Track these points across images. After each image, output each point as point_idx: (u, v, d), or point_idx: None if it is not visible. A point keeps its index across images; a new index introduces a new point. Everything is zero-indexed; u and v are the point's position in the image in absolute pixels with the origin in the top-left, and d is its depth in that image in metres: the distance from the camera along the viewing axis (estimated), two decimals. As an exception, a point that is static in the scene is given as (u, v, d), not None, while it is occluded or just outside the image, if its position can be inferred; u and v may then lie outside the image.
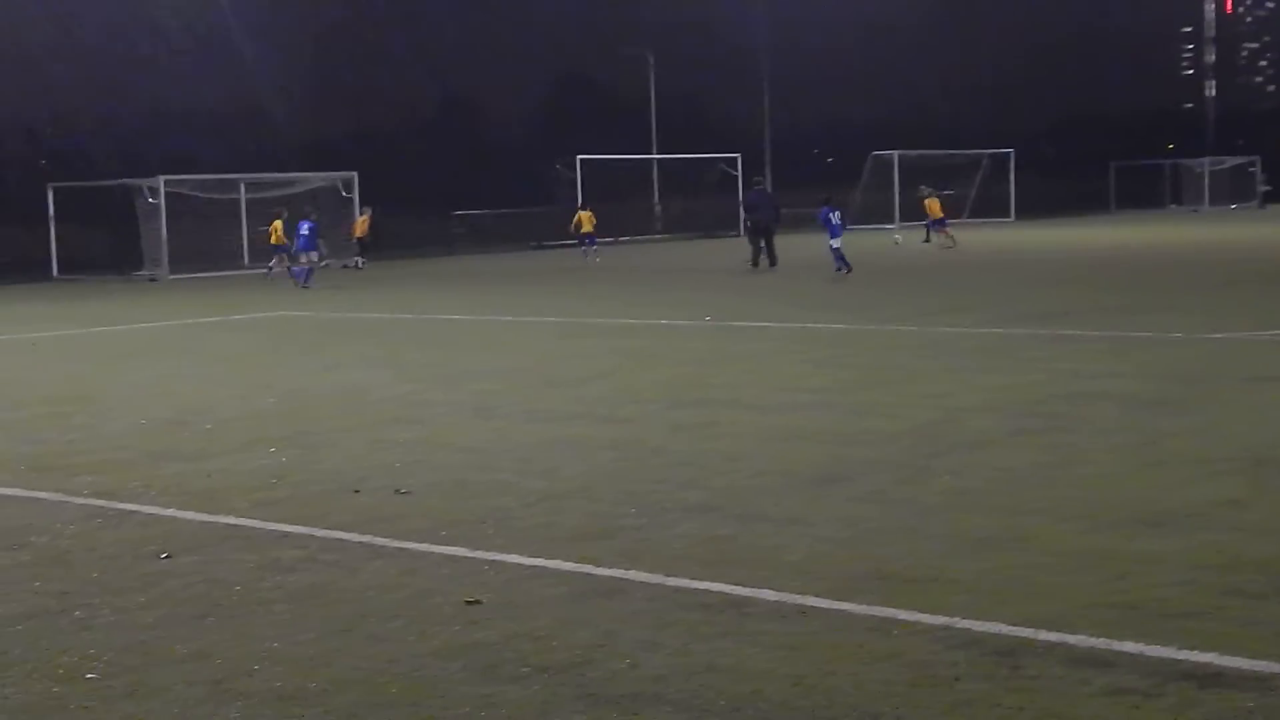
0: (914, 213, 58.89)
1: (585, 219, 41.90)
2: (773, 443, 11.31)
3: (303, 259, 34.02)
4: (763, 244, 34.66)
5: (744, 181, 53.69)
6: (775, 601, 6.96)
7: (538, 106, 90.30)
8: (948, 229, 42.83)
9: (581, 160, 53.64)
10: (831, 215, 31.78)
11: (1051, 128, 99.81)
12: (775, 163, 64.38)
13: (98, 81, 68.55)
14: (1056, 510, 8.68)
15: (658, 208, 60.62)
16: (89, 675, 6.25)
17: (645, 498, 9.36)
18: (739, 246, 38.07)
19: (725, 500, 9.26)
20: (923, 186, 45.90)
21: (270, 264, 37.91)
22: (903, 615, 6.65)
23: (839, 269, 30.88)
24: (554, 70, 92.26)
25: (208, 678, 6.15)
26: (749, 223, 36.39)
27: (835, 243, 31.33)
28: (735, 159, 57.21)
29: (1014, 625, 6.45)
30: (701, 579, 7.37)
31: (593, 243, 41.46)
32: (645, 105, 64.19)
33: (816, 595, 7.02)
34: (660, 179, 61.65)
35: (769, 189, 40.68)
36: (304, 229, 34.09)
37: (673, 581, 7.36)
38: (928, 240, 43.76)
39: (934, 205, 43.42)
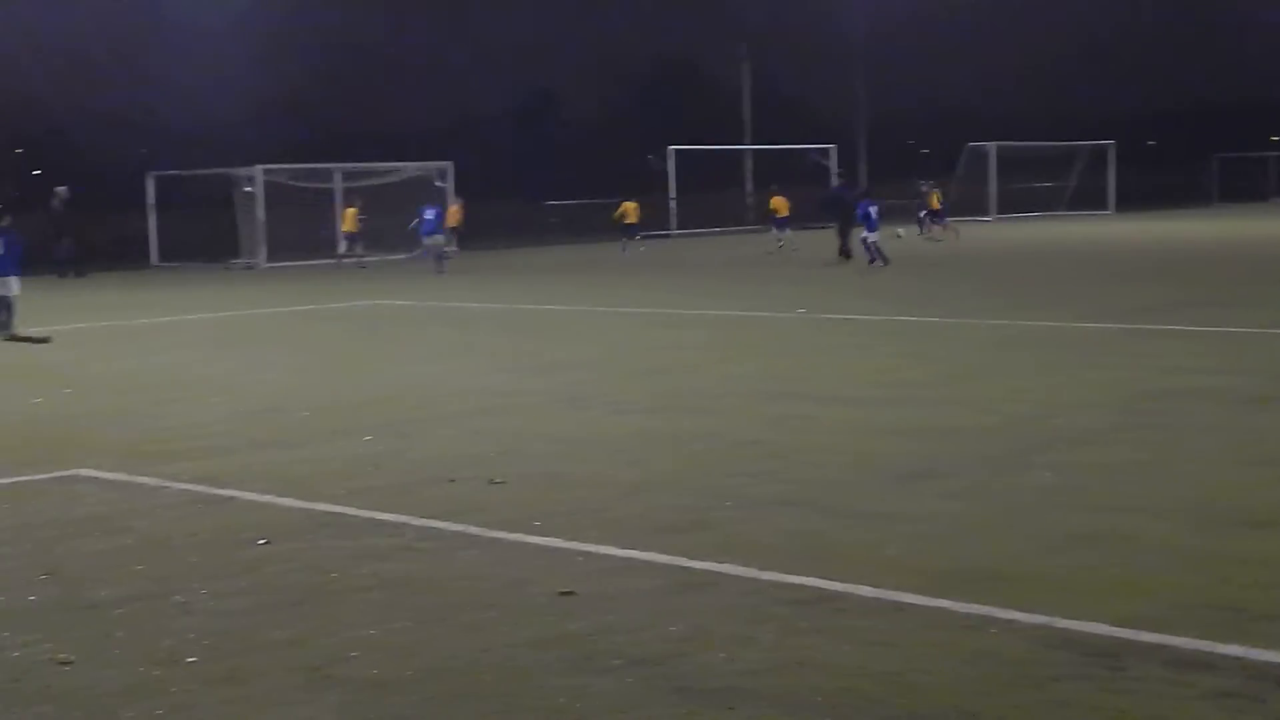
0: (1010, 204, 58.50)
1: (631, 210, 41.68)
2: (866, 436, 11.24)
3: (426, 242, 34.50)
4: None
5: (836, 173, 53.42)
6: (870, 597, 6.92)
7: (632, 96, 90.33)
8: (938, 224, 43.88)
9: (674, 150, 53.54)
10: (870, 209, 32.06)
11: (1154, 119, 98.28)
12: (870, 154, 63.92)
13: (196, 71, 69.47)
14: (1156, 508, 8.55)
15: (750, 198, 60.37)
16: (189, 659, 6.33)
17: (738, 491, 9.34)
18: (828, 239, 37.89)
19: (818, 494, 9.21)
20: (920, 182, 47.58)
21: (356, 250, 38.27)
22: (999, 613, 6.58)
23: (872, 261, 31.33)
24: (649, 60, 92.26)
25: (305, 664, 6.22)
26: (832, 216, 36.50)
27: (873, 236, 31.76)
28: (830, 149, 56.85)
29: (1114, 625, 6.36)
30: (795, 573, 7.34)
31: (634, 234, 41.26)
32: (739, 95, 63.92)
33: (911, 591, 6.97)
34: (754, 169, 61.36)
35: (852, 182, 40.64)
36: (428, 214, 34.64)
37: (766, 575, 7.33)
38: (923, 232, 44.20)
39: (934, 198, 44.80)
